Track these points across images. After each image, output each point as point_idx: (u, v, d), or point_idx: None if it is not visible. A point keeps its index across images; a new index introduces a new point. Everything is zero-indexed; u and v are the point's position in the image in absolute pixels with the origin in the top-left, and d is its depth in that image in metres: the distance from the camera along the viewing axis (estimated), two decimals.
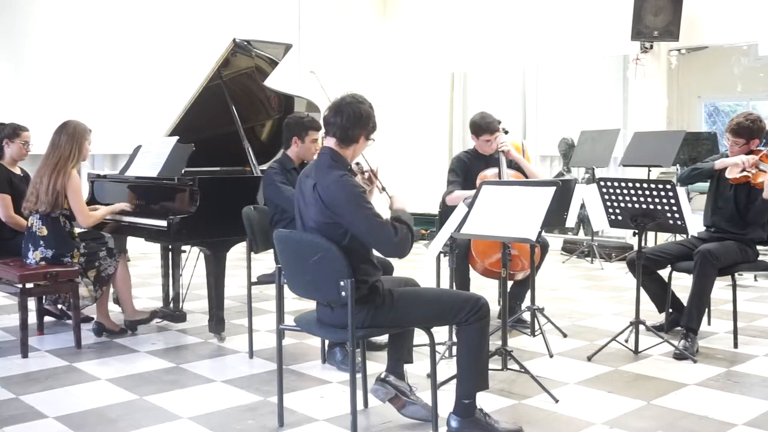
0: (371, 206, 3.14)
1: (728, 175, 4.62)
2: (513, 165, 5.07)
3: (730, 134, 4.69)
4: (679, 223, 4.27)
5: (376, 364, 4.07)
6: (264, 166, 5.18)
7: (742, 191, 4.68)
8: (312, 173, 3.23)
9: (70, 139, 4.70)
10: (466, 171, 5.08)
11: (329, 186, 3.11)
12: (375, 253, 3.26)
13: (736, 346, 4.66)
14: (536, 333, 4.80)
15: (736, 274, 4.76)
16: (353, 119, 3.19)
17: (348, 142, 3.23)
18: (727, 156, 4.74)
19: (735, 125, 4.66)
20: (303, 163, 4.59)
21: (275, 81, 5.74)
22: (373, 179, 3.43)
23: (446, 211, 4.25)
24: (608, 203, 4.49)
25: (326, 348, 4.35)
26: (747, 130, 4.63)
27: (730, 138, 4.70)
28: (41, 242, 4.67)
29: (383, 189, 3.52)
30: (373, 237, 3.12)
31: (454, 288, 4.59)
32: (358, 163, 3.39)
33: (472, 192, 4.90)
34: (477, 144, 5.11)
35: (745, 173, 4.55)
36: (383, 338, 4.24)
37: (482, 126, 5.00)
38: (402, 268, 5.84)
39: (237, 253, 5.28)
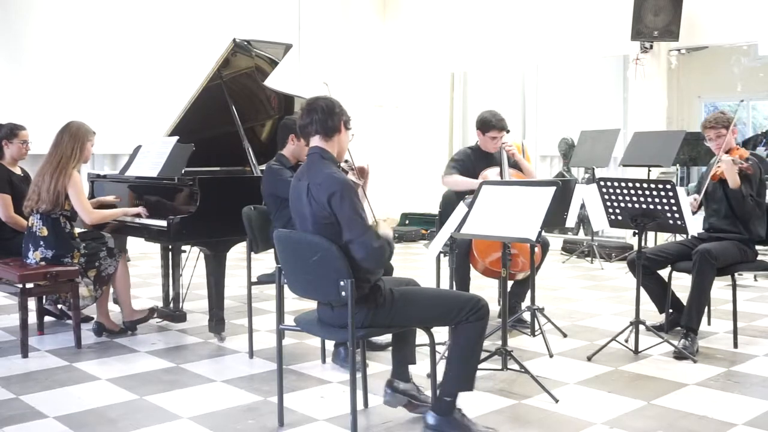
0: (361, 207, 3.14)
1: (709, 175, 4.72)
2: (513, 164, 5.09)
3: (709, 130, 4.74)
4: (679, 223, 4.27)
5: (377, 364, 4.07)
6: (264, 166, 5.17)
7: (732, 189, 4.69)
8: (304, 175, 3.24)
9: (72, 138, 4.71)
10: (469, 165, 5.10)
11: (322, 183, 3.13)
12: None
13: (736, 346, 4.66)
14: (536, 333, 4.80)
15: (735, 274, 4.76)
16: (327, 110, 3.27)
17: (331, 133, 3.27)
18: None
19: (710, 119, 4.78)
20: (298, 164, 4.59)
21: (275, 81, 5.74)
22: (363, 173, 3.44)
23: (446, 210, 4.25)
24: (608, 203, 4.49)
25: (331, 347, 4.34)
26: (720, 119, 4.73)
27: (711, 135, 4.75)
28: (41, 242, 4.66)
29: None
30: (355, 235, 3.07)
31: (454, 288, 4.60)
32: (346, 161, 3.41)
33: (470, 180, 4.94)
34: (481, 141, 5.12)
35: (717, 169, 4.66)
36: (384, 338, 4.24)
37: (492, 123, 5.02)
38: (402, 268, 5.83)
39: (237, 253, 5.27)
